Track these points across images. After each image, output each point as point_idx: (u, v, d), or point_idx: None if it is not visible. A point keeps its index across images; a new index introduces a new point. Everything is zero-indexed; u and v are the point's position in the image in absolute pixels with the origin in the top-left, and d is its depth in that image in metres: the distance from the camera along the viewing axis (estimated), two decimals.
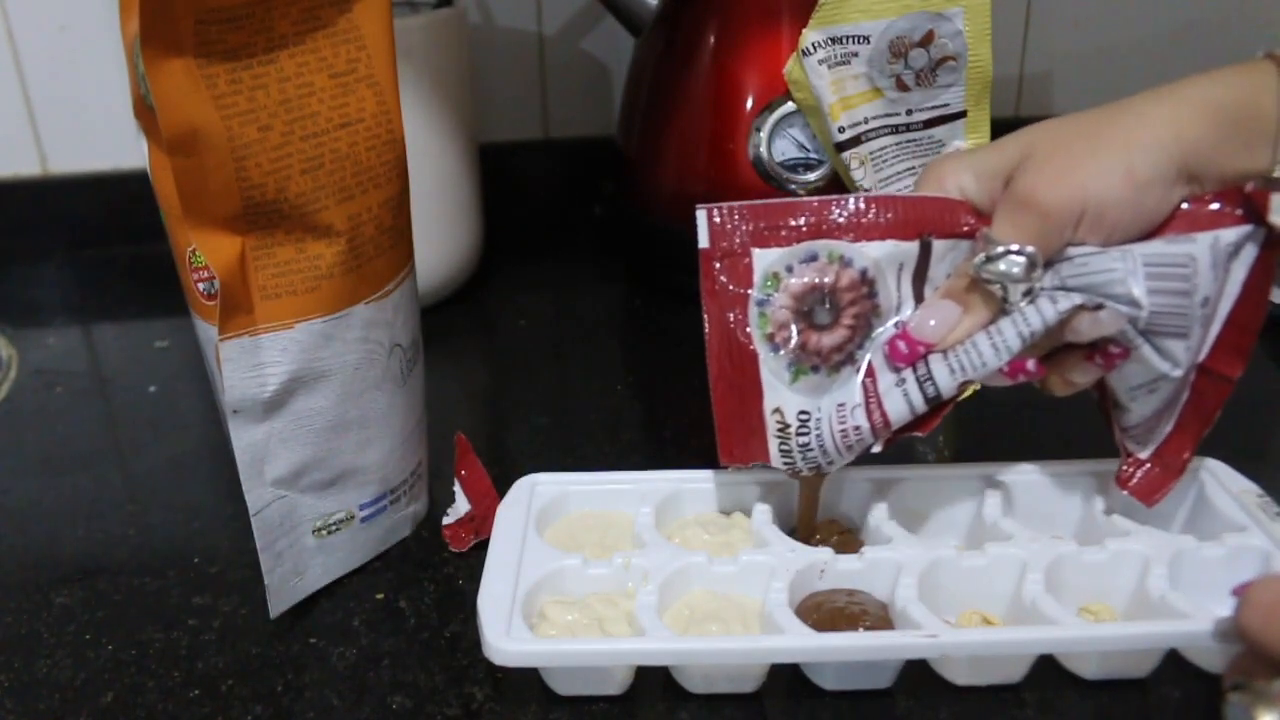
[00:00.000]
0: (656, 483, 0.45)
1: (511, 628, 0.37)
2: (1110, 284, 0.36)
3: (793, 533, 0.43)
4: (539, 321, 0.72)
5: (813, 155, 0.64)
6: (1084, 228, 0.37)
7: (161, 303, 0.74)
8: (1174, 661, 0.39)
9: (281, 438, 0.40)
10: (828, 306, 0.39)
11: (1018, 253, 0.37)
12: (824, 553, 0.40)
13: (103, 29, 0.79)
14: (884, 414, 0.39)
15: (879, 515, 0.42)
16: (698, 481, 0.45)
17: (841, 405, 0.40)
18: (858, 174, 0.63)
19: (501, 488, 0.45)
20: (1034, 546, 0.40)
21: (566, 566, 0.40)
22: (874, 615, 0.38)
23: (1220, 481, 0.43)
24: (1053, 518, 0.44)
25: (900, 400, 0.39)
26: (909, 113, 0.63)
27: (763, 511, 0.43)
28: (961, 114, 0.64)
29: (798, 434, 0.40)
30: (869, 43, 0.61)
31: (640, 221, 0.71)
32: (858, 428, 0.39)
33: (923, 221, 0.39)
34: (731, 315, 0.40)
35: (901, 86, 0.62)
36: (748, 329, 0.40)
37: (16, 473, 0.54)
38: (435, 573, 0.45)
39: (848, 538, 0.43)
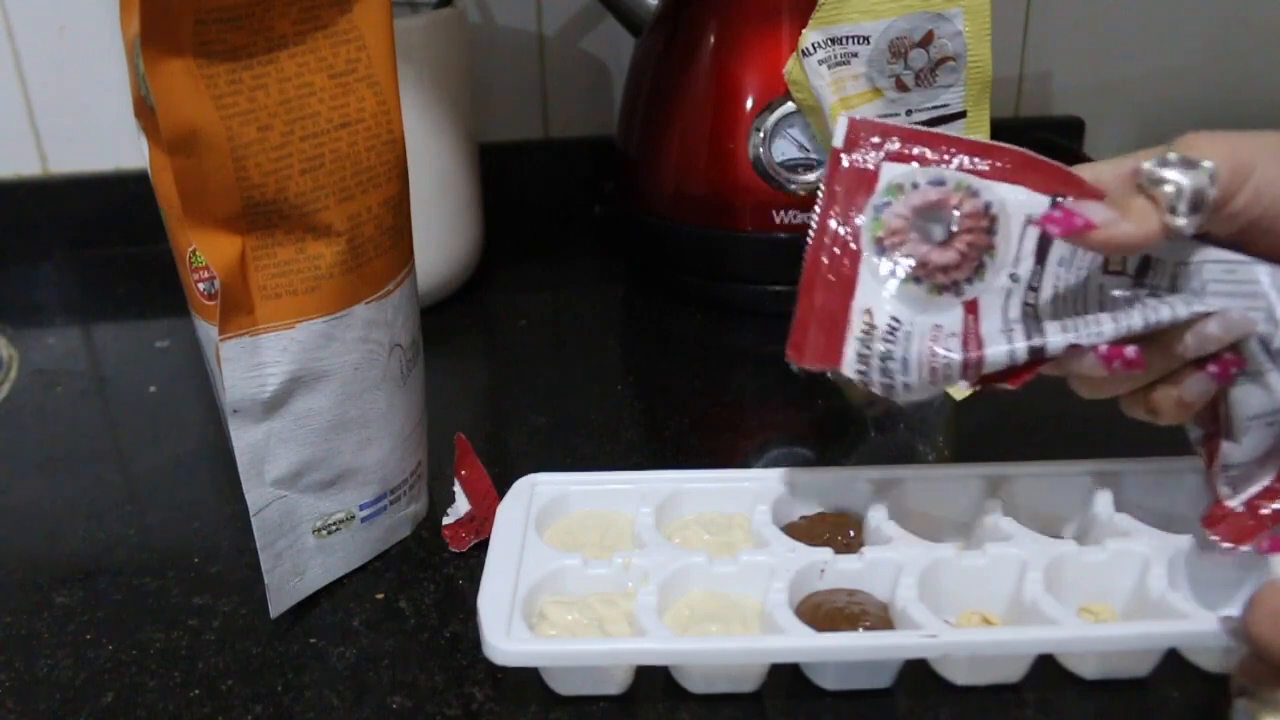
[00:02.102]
0: (656, 483, 0.45)
1: (511, 628, 0.37)
2: (1253, 294, 0.35)
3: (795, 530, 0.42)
4: (539, 321, 0.72)
5: (813, 155, 0.64)
6: (1245, 193, 0.35)
7: (161, 303, 0.74)
8: (1174, 661, 0.39)
9: (281, 438, 0.40)
10: (944, 225, 0.38)
11: (1195, 164, 0.34)
12: (824, 553, 0.40)
13: (102, 29, 0.79)
14: (982, 353, 0.37)
15: (879, 515, 0.42)
16: (698, 481, 0.45)
17: (938, 326, 0.37)
18: None
19: (501, 488, 0.45)
20: (1034, 546, 0.40)
21: (566, 566, 0.40)
22: (874, 615, 0.38)
23: None
24: (1053, 518, 0.44)
25: (1003, 344, 0.37)
26: (909, 113, 0.63)
27: (763, 511, 0.43)
28: (961, 114, 0.64)
29: (884, 339, 0.38)
30: (869, 43, 0.61)
31: (640, 221, 0.71)
32: (949, 355, 0.37)
33: (1059, 182, 0.37)
34: (846, 211, 0.39)
35: (901, 87, 0.62)
36: (858, 226, 0.39)
37: (16, 473, 0.54)
38: (435, 573, 0.45)
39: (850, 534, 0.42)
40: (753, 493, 0.44)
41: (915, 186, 0.38)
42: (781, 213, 0.65)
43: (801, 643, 0.36)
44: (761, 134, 0.64)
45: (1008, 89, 0.88)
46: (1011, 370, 0.37)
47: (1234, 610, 0.36)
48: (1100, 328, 0.36)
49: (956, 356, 0.37)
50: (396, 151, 0.41)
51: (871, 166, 0.39)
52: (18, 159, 0.82)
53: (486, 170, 0.74)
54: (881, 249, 0.38)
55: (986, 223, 0.37)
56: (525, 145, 0.86)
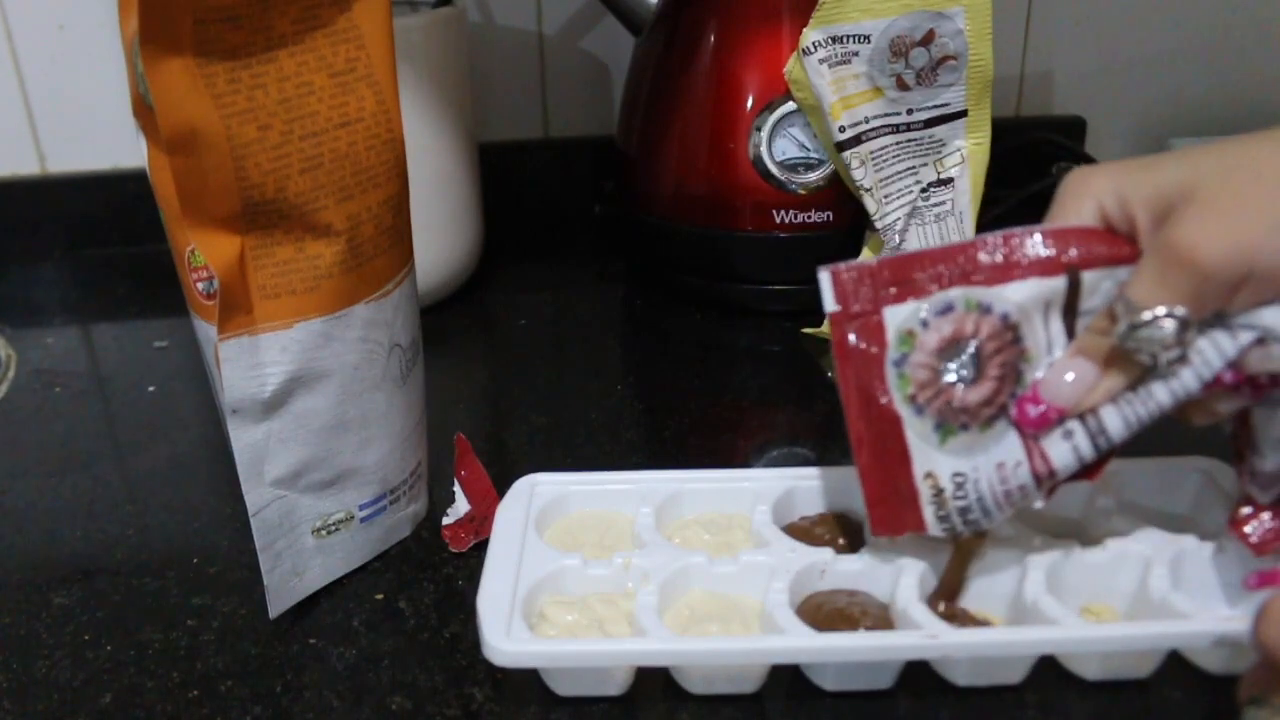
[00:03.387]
0: (656, 483, 0.45)
1: (511, 628, 0.37)
2: None
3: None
4: (539, 321, 0.72)
5: (813, 155, 0.64)
6: (1246, 290, 0.32)
7: (161, 303, 0.74)
8: (1175, 662, 0.38)
9: (281, 438, 0.40)
10: (971, 359, 0.36)
11: (1167, 316, 0.32)
12: (824, 553, 0.40)
13: (101, 28, 0.78)
14: (1050, 468, 0.36)
15: None
16: (698, 481, 0.45)
17: (1001, 464, 0.36)
18: (858, 173, 0.63)
19: (501, 488, 0.45)
20: (1034, 546, 0.40)
21: (566, 566, 0.40)
22: (874, 615, 0.38)
23: (1222, 482, 0.43)
24: (1053, 518, 0.43)
25: (1068, 452, 0.36)
26: (909, 112, 0.63)
27: (763, 511, 0.43)
28: (962, 113, 0.64)
29: (954, 498, 0.37)
30: (869, 42, 0.61)
31: (640, 221, 0.71)
32: (1022, 486, 0.36)
33: (1067, 252, 0.35)
34: (868, 379, 0.37)
35: (902, 86, 0.62)
36: (887, 391, 0.37)
37: (16, 473, 0.54)
38: (435, 573, 0.45)
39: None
40: (753, 493, 0.44)
41: (925, 325, 0.37)
42: (781, 213, 0.65)
43: (802, 643, 0.36)
44: (762, 134, 0.64)
45: (1009, 88, 0.88)
46: (1084, 469, 0.36)
47: (1236, 611, 0.36)
48: (1158, 403, 0.34)
49: (1030, 483, 0.36)
50: (396, 151, 0.41)
51: (875, 318, 0.37)
52: (16, 158, 0.82)
53: (486, 170, 0.74)
54: (918, 407, 0.37)
55: (1010, 335, 0.36)
56: (525, 145, 0.86)
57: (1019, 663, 0.38)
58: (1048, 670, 0.38)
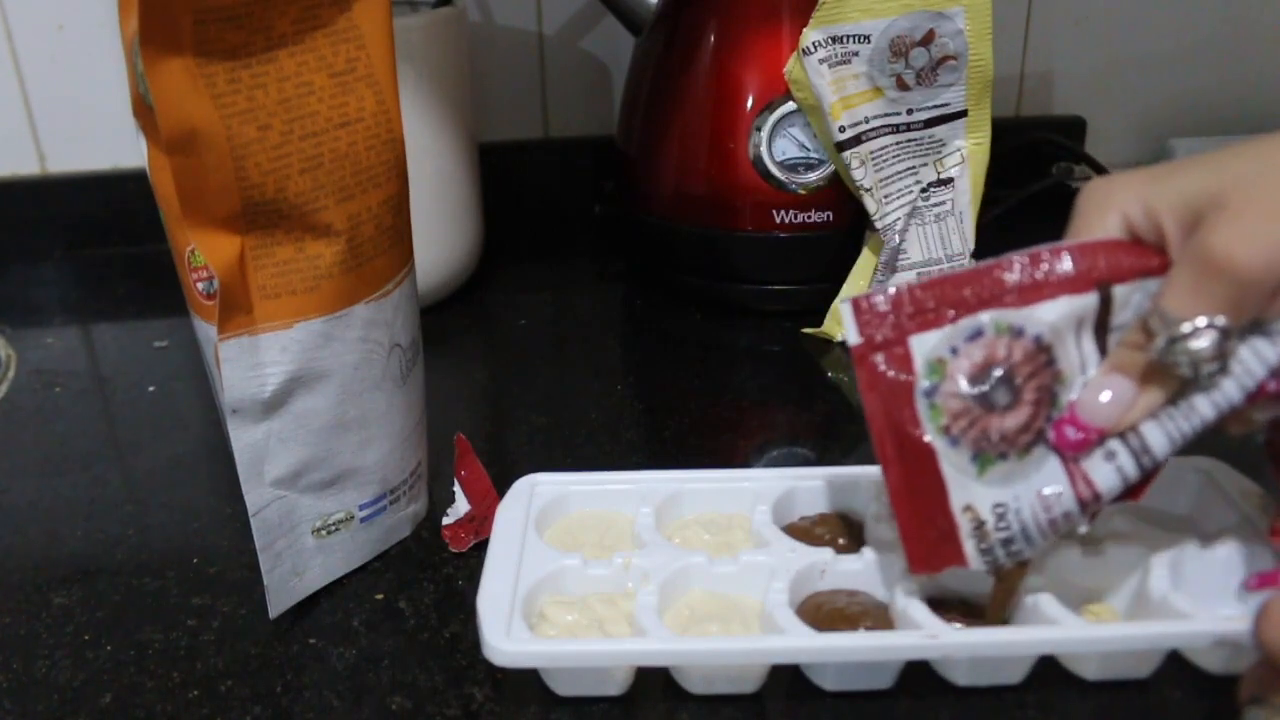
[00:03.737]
0: (656, 483, 0.45)
1: (511, 628, 0.37)
2: None
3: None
4: (539, 321, 0.72)
5: (813, 155, 0.64)
6: None
7: (161, 303, 0.74)
8: (1175, 662, 0.38)
9: (281, 438, 0.40)
10: (1005, 385, 0.35)
11: (1208, 327, 0.31)
12: (824, 553, 0.40)
13: (101, 28, 0.78)
14: (1095, 491, 0.34)
15: (879, 515, 0.42)
16: (698, 481, 0.45)
17: (1043, 493, 0.35)
18: (858, 173, 0.63)
19: (501, 488, 0.45)
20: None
21: (566, 566, 0.40)
22: (874, 615, 0.38)
23: (1222, 482, 0.43)
24: None
25: (1112, 474, 0.34)
26: (910, 112, 0.63)
27: (763, 511, 0.43)
28: (962, 113, 0.64)
29: (997, 530, 0.35)
30: (869, 42, 0.61)
31: (640, 221, 0.71)
32: (1067, 513, 0.35)
33: (1095, 268, 0.34)
34: (898, 412, 0.36)
35: (902, 86, 0.62)
36: (919, 423, 0.35)
37: (15, 473, 0.54)
38: (435, 573, 0.45)
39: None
40: (753, 493, 0.44)
41: (955, 353, 0.35)
42: (781, 212, 0.65)
43: (802, 643, 0.36)
44: (762, 134, 0.64)
45: (1009, 88, 0.88)
46: (1128, 490, 0.35)
47: (1236, 611, 0.36)
48: (1202, 417, 0.33)
49: (1074, 509, 0.35)
50: (396, 151, 0.41)
51: (901, 348, 0.35)
52: (16, 158, 0.82)
53: (486, 170, 0.74)
54: (953, 439, 0.35)
55: (1044, 357, 0.35)
56: (525, 145, 0.86)
57: (1019, 663, 0.38)
58: (1048, 670, 0.38)
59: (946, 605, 0.39)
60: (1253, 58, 0.89)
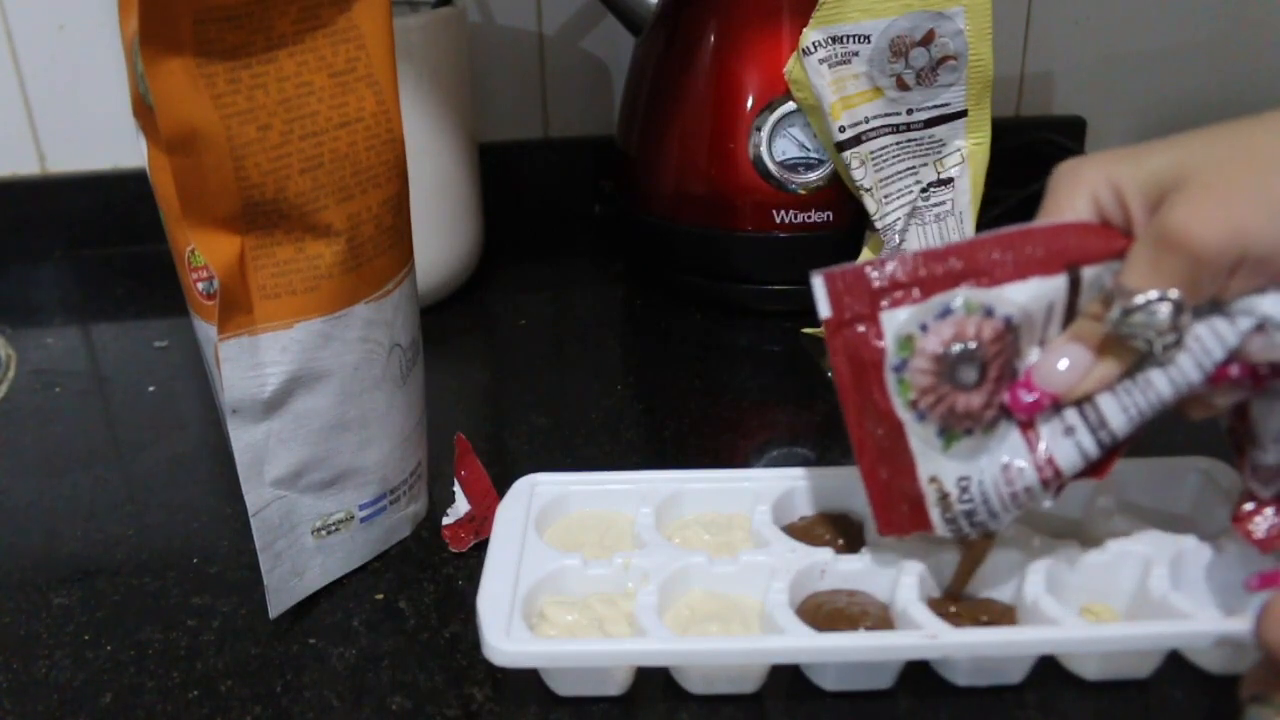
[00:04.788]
0: (656, 483, 0.45)
1: (511, 628, 0.37)
2: None
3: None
4: (539, 321, 0.72)
5: (813, 155, 0.64)
6: (1241, 274, 0.32)
7: (161, 303, 0.74)
8: (1176, 662, 0.38)
9: (281, 438, 0.40)
10: (973, 363, 0.35)
11: (1160, 300, 0.32)
12: (824, 553, 0.40)
13: (101, 28, 0.78)
14: (1055, 468, 0.35)
15: None
16: (698, 481, 0.45)
17: (1007, 465, 0.36)
18: (858, 173, 0.63)
19: (501, 488, 0.45)
20: (1034, 546, 0.40)
21: (566, 566, 0.40)
22: (874, 615, 0.38)
23: (1222, 482, 0.43)
24: (1053, 518, 0.43)
25: (1072, 450, 0.35)
26: (909, 112, 0.63)
27: (763, 511, 0.43)
28: (962, 113, 0.64)
29: (960, 501, 0.37)
30: (869, 42, 0.61)
31: (640, 221, 0.71)
32: (1028, 487, 0.36)
33: (1065, 250, 0.34)
34: (867, 385, 0.37)
35: (902, 86, 0.62)
36: (887, 397, 0.36)
37: (15, 473, 0.54)
38: (435, 573, 0.45)
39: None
40: (753, 493, 0.44)
41: (925, 329, 0.36)
42: (781, 212, 0.65)
43: (802, 643, 0.36)
44: (762, 134, 0.64)
45: (1009, 88, 0.88)
46: (1090, 467, 0.36)
47: (1236, 611, 0.36)
48: (1158, 393, 0.34)
49: (1035, 484, 0.36)
50: (396, 151, 0.41)
51: (872, 323, 0.36)
52: (16, 158, 0.82)
53: (486, 170, 0.74)
54: (920, 414, 0.36)
55: (1011, 336, 0.35)
56: (525, 145, 0.86)
57: (1019, 663, 0.38)
58: (1048, 670, 0.38)
59: (949, 605, 0.39)
60: (1253, 58, 0.89)
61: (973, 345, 0.35)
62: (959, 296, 0.35)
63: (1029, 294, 0.35)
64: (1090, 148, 0.88)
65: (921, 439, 0.37)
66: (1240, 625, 0.35)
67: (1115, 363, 0.34)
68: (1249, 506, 0.37)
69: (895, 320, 0.36)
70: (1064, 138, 0.86)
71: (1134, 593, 0.39)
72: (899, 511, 0.38)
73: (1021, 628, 0.38)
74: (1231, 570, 0.38)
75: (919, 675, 0.38)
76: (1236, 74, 0.89)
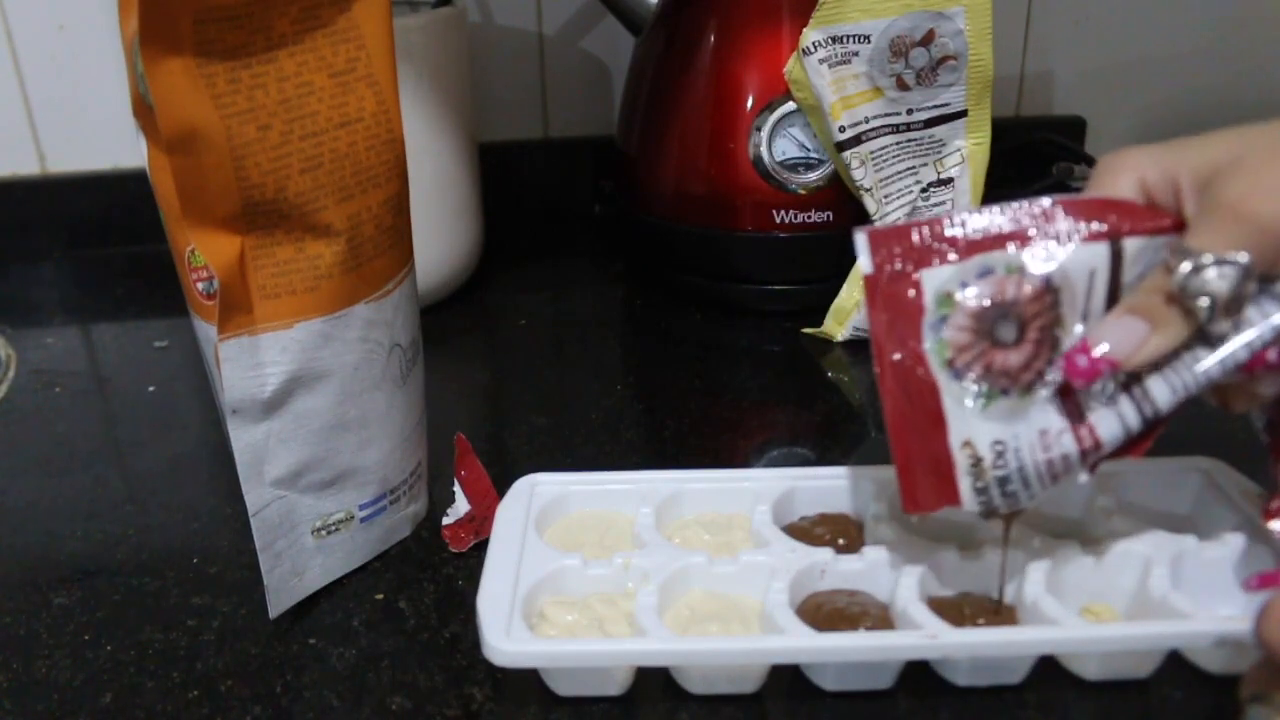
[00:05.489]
0: (656, 483, 0.45)
1: (511, 628, 0.37)
2: None
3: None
4: (539, 321, 0.72)
5: (813, 155, 0.64)
6: None
7: (161, 303, 0.74)
8: (1175, 662, 0.38)
9: (281, 438, 0.40)
10: (1012, 321, 0.35)
11: (1229, 262, 0.32)
12: (824, 553, 0.40)
13: (101, 28, 0.78)
14: (1096, 438, 0.35)
15: (879, 515, 0.42)
16: (698, 481, 0.45)
17: (1044, 432, 0.35)
18: (858, 173, 0.63)
19: (501, 488, 0.45)
20: (1034, 546, 0.40)
21: (566, 566, 0.40)
22: (874, 615, 0.38)
23: (1222, 482, 0.43)
24: (1053, 518, 0.43)
25: (1114, 422, 0.35)
26: (909, 112, 0.63)
27: (763, 512, 0.43)
28: (962, 113, 0.64)
29: (994, 467, 0.36)
30: (869, 42, 0.61)
31: (640, 221, 0.71)
32: (1065, 455, 0.35)
33: (1108, 220, 0.35)
34: (904, 344, 0.36)
35: (902, 86, 0.62)
36: (924, 357, 0.36)
37: (15, 473, 0.54)
38: (435, 573, 0.45)
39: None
40: (753, 493, 0.44)
41: (964, 287, 0.35)
42: (781, 212, 0.65)
43: (802, 643, 0.36)
44: (762, 134, 0.64)
45: (1009, 88, 0.88)
46: (1130, 442, 0.35)
47: (1236, 611, 0.36)
48: (1205, 371, 0.34)
49: (1073, 453, 0.35)
50: (396, 151, 0.41)
51: (912, 281, 0.36)
52: (16, 158, 0.82)
53: (486, 170, 0.74)
54: (956, 372, 0.36)
55: (1051, 298, 0.35)
56: (525, 145, 0.86)
57: (1019, 663, 0.38)
58: (1048, 670, 0.38)
59: (952, 606, 0.39)
60: (1253, 59, 0.89)
61: (1012, 302, 0.35)
62: (999, 257, 0.35)
63: (1070, 257, 0.35)
64: (1090, 148, 0.88)
65: (955, 399, 0.36)
66: (1240, 625, 0.35)
67: (1172, 333, 0.34)
68: (1278, 503, 0.37)
69: (936, 278, 0.36)
70: (1064, 138, 0.86)
71: (1134, 593, 0.39)
72: (925, 483, 0.37)
73: (1021, 628, 0.38)
74: (1231, 570, 0.39)
75: (919, 675, 0.38)
76: (1236, 75, 0.89)
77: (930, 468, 0.36)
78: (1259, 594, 0.35)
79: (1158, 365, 0.34)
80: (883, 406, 0.37)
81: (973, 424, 0.36)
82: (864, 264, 0.36)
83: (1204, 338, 0.34)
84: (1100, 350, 0.34)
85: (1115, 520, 0.41)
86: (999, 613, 0.39)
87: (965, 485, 0.36)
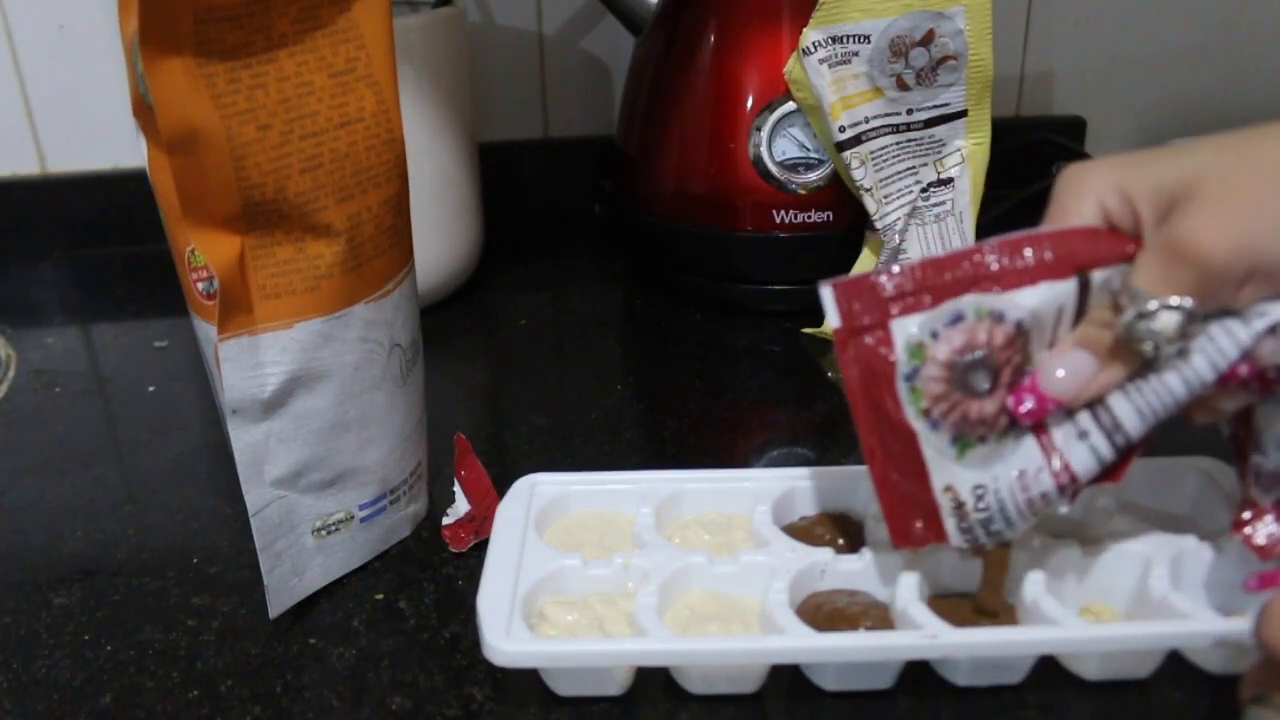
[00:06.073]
0: (656, 483, 0.45)
1: (511, 628, 0.37)
2: None
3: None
4: (539, 321, 0.72)
5: (813, 155, 0.64)
6: (1252, 286, 0.32)
7: (161, 303, 0.74)
8: (1176, 662, 0.38)
9: (281, 438, 0.40)
10: (985, 370, 0.35)
11: (1174, 308, 0.32)
12: (824, 553, 0.40)
13: (101, 28, 0.78)
14: (1071, 473, 0.35)
15: (879, 515, 0.42)
16: (698, 481, 0.45)
17: (1023, 472, 0.36)
18: (858, 173, 0.63)
19: (501, 488, 0.45)
20: (1035, 548, 0.40)
21: (566, 566, 0.40)
22: (874, 615, 0.38)
23: (1222, 482, 0.43)
24: (1053, 518, 0.43)
25: (1087, 454, 0.35)
26: (909, 112, 0.63)
27: (763, 512, 0.43)
28: (962, 113, 0.64)
29: (976, 510, 0.36)
30: (869, 42, 0.61)
31: (640, 221, 0.71)
32: (1044, 493, 0.35)
33: (1075, 254, 0.34)
34: (879, 393, 0.36)
35: (902, 86, 0.62)
36: (900, 406, 0.36)
37: (15, 473, 0.54)
38: (435, 573, 0.45)
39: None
40: (753, 493, 0.44)
41: (935, 337, 0.35)
42: (781, 212, 0.65)
43: (802, 643, 0.36)
44: (762, 134, 0.64)
45: (1009, 88, 0.88)
46: (1105, 471, 0.36)
47: (1236, 611, 0.36)
48: (1172, 394, 0.34)
49: (1051, 490, 0.35)
50: (396, 151, 0.41)
51: (881, 332, 0.36)
52: (16, 158, 0.82)
53: (486, 170, 0.74)
54: (933, 422, 0.36)
55: (1022, 340, 0.35)
56: (525, 145, 0.86)
57: (1019, 663, 0.38)
58: (1048, 670, 0.38)
59: (951, 605, 0.39)
60: (1253, 58, 0.89)
61: (984, 352, 0.35)
62: (969, 303, 0.35)
63: (1039, 298, 0.35)
64: (1090, 148, 0.88)
65: (935, 448, 0.36)
66: (1240, 625, 0.35)
67: (1119, 369, 0.34)
68: (1248, 514, 0.37)
69: (906, 328, 0.36)
70: (1064, 138, 0.86)
71: (1134, 593, 0.39)
72: (913, 523, 0.37)
73: (1021, 628, 0.38)
74: (1231, 570, 0.38)
75: (919, 675, 0.38)
76: (1236, 75, 0.89)
77: (916, 508, 0.37)
78: (1259, 594, 0.35)
79: (1124, 391, 0.35)
80: (865, 455, 0.37)
81: (953, 470, 0.36)
82: (832, 318, 0.36)
83: (1154, 366, 0.34)
84: (1045, 388, 0.35)
85: (1115, 520, 0.41)
86: (979, 609, 0.39)
87: (951, 525, 0.37)
